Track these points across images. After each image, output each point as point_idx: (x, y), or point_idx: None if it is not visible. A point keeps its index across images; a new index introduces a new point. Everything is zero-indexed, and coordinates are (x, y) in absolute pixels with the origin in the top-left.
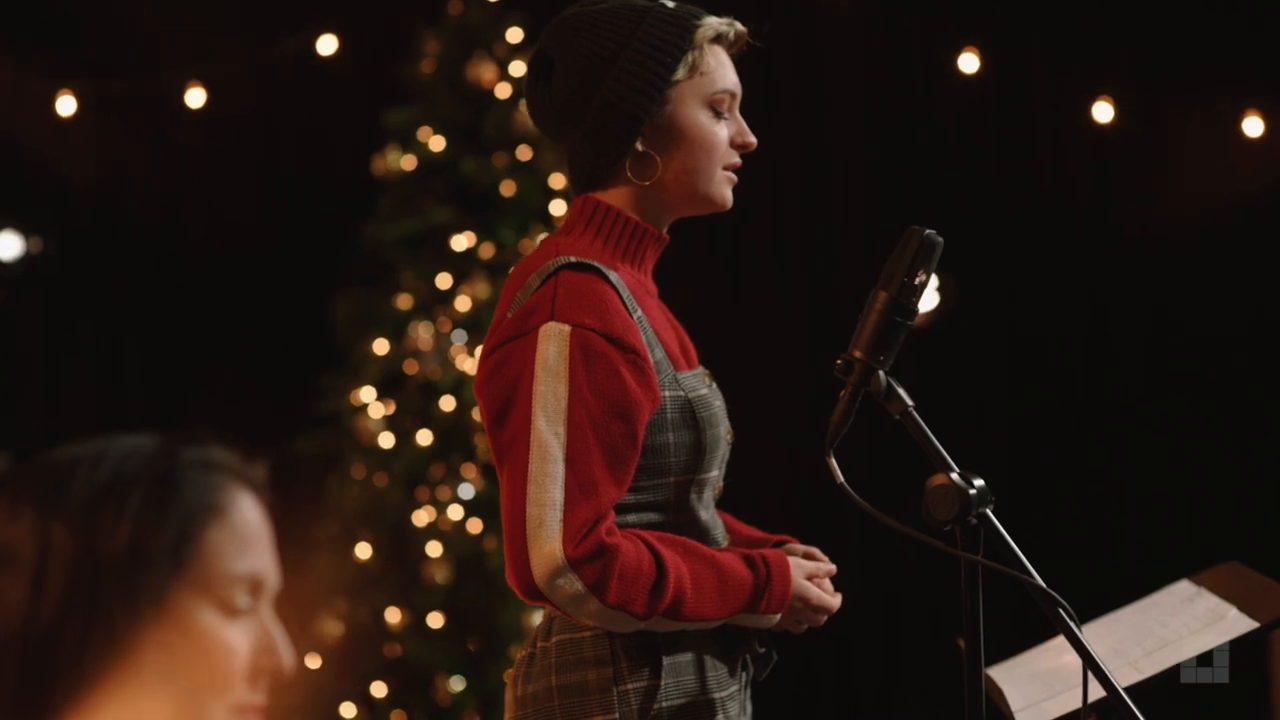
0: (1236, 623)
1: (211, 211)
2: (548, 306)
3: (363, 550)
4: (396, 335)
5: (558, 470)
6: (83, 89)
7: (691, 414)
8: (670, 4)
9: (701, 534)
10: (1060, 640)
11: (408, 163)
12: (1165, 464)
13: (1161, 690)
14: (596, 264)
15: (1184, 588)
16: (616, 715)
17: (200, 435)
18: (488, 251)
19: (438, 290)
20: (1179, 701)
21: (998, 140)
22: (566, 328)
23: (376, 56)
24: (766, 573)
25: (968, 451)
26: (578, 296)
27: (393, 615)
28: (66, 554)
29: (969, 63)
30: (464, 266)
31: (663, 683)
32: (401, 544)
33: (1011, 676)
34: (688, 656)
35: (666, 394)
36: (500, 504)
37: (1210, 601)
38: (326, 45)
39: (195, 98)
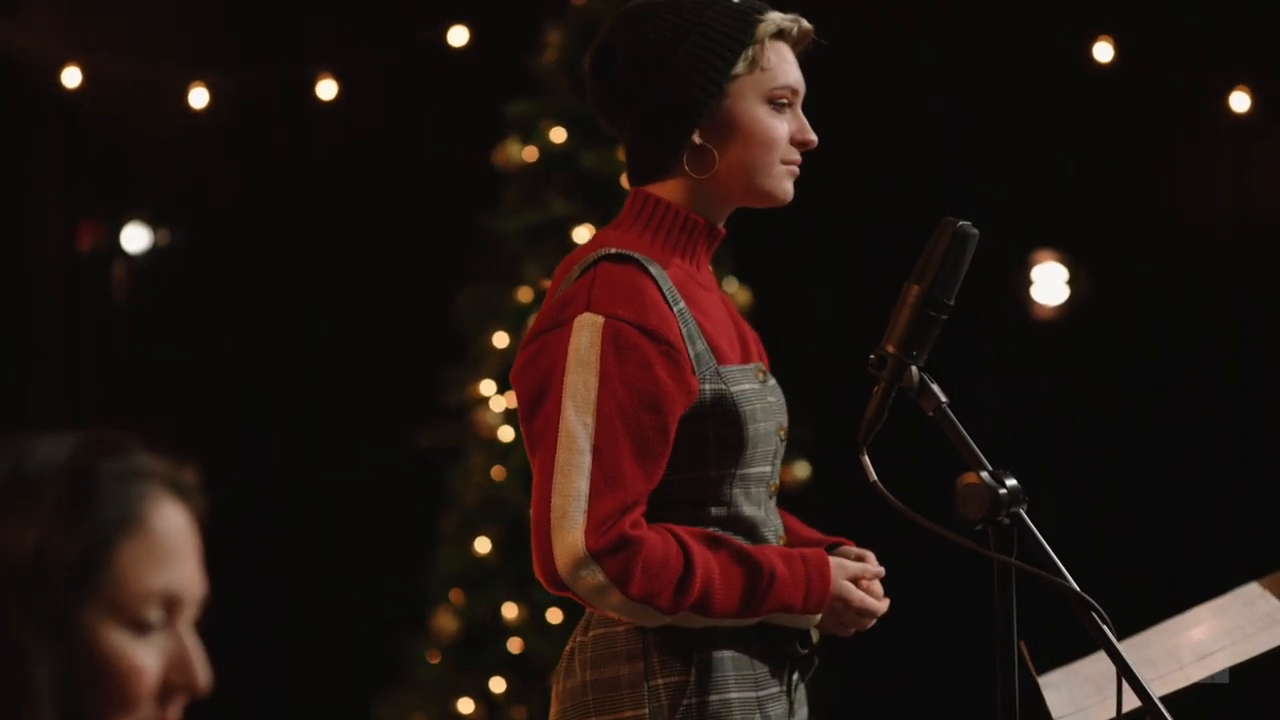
0: None
1: (339, 203)
2: (584, 297)
3: (482, 545)
4: (517, 328)
5: (584, 461)
6: (214, 81)
7: (733, 407)
8: None
9: (747, 530)
10: (1130, 641)
11: (529, 154)
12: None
13: (1216, 693)
14: (637, 255)
15: (1250, 590)
16: (646, 710)
17: (125, 438)
18: None
19: None
20: (1232, 704)
21: (1130, 132)
22: (600, 319)
23: (505, 48)
24: (805, 571)
25: (1087, 446)
26: (614, 288)
27: (510, 610)
28: None
29: (1103, 52)
30: None
31: (693, 679)
32: (520, 539)
33: (1068, 681)
34: (723, 654)
35: (706, 387)
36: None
37: (1270, 604)
38: (458, 37)
39: (327, 89)
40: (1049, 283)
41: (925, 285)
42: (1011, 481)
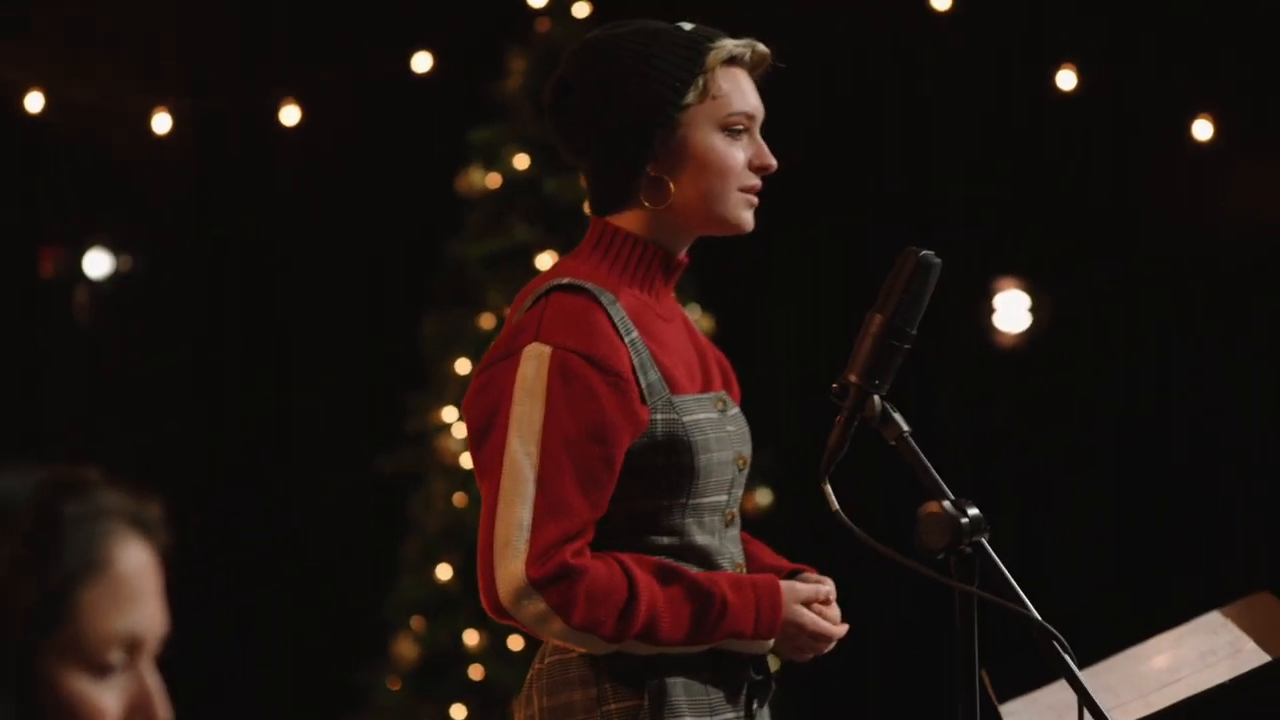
0: (1250, 656)
1: (301, 228)
2: (534, 327)
3: (443, 571)
4: (479, 354)
5: (528, 490)
6: (178, 106)
7: (685, 437)
8: (688, 27)
9: (700, 558)
10: (1093, 670)
11: (492, 181)
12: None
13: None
14: (589, 286)
15: (1212, 619)
16: None
17: (87, 473)
18: None
19: None
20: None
21: (1093, 159)
22: (547, 349)
23: (468, 74)
24: (754, 597)
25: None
26: (563, 318)
27: (471, 637)
28: None
29: (1066, 80)
30: None
31: (645, 705)
32: None
33: (1028, 710)
34: (676, 680)
35: (658, 417)
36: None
37: (1231, 634)
38: (421, 63)
39: (290, 115)
40: (1011, 310)
41: (888, 314)
42: (973, 510)
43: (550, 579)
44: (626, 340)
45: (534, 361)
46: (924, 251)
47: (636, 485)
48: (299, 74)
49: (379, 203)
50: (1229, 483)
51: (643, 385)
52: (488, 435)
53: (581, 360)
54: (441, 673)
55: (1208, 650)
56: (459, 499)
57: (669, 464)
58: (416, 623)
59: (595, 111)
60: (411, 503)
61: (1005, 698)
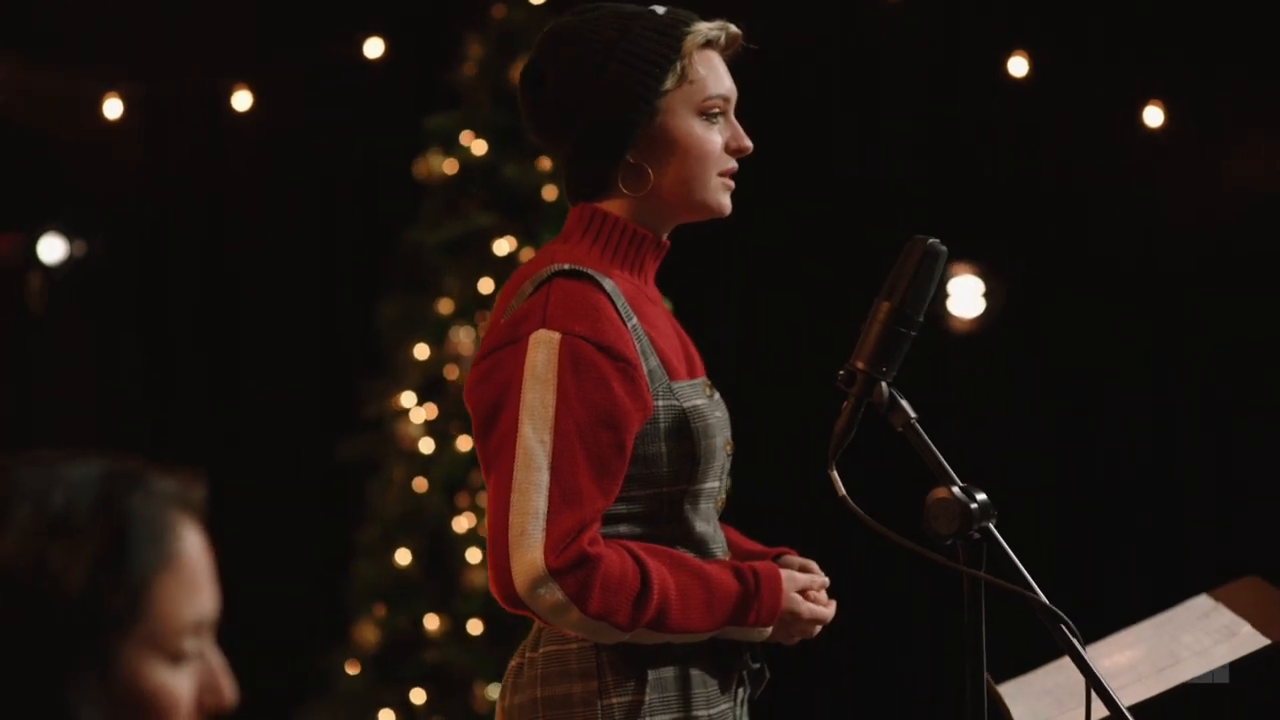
0: (1248, 639)
1: (256, 214)
2: (539, 314)
3: (402, 556)
4: (438, 340)
5: (542, 479)
6: (129, 91)
7: (685, 424)
8: (660, 9)
9: (698, 546)
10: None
11: (449, 167)
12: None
13: (1173, 707)
14: (591, 271)
15: (1202, 602)
16: None
17: (140, 464)
18: (529, 256)
19: (479, 295)
20: (1191, 718)
21: (1045, 146)
22: (556, 335)
23: (423, 60)
24: (756, 585)
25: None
26: (570, 304)
27: (432, 622)
28: (10, 582)
29: (1018, 67)
30: (505, 271)
31: (647, 697)
32: (441, 550)
33: (1022, 693)
34: (674, 671)
35: (660, 403)
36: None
37: (1225, 617)
38: (373, 49)
39: (242, 100)
40: (965, 296)
41: (895, 302)
42: (981, 496)
43: (568, 568)
44: (629, 325)
45: (543, 348)
46: (931, 239)
47: (640, 473)
48: (251, 59)
49: (334, 189)
50: (1189, 467)
51: (646, 371)
52: (495, 423)
53: (592, 347)
54: (401, 657)
55: (1202, 634)
56: (418, 484)
57: (671, 451)
58: (377, 608)
59: (572, 101)
60: (370, 488)
61: (996, 681)
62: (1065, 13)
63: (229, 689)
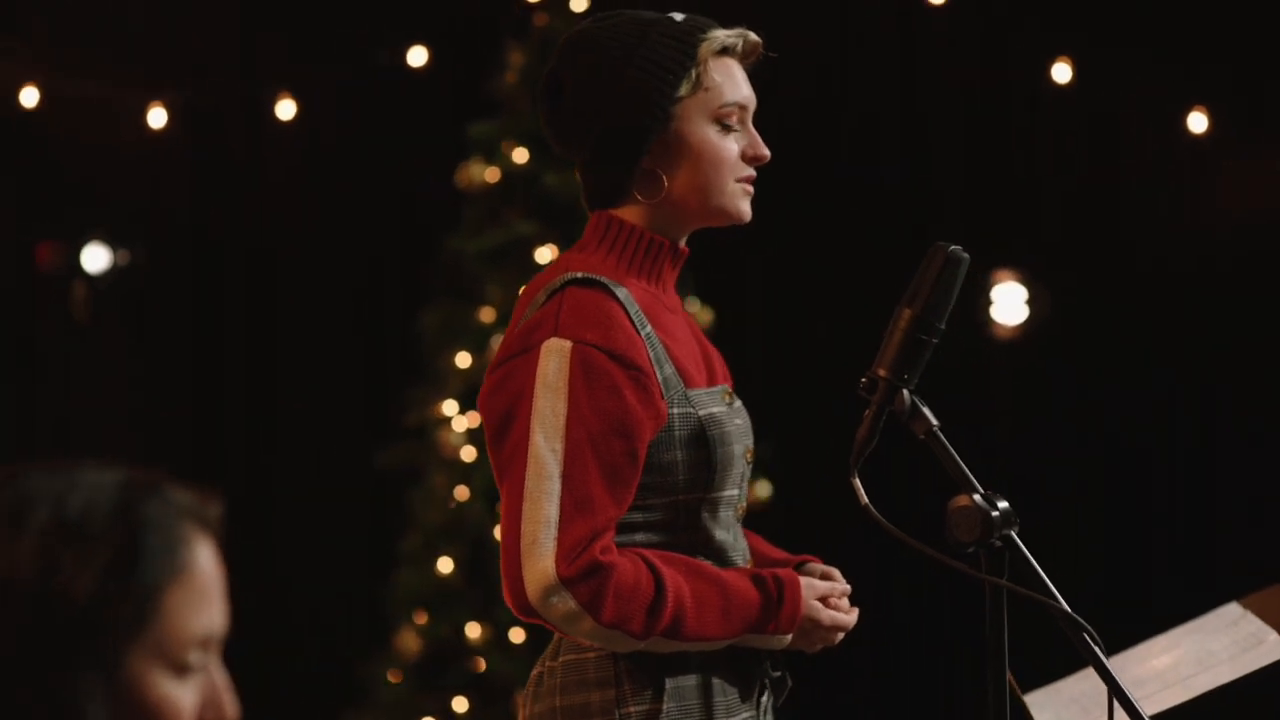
0: (1275, 648)
1: (298, 222)
2: (551, 322)
3: (444, 565)
4: (479, 348)
5: (554, 487)
6: (173, 101)
7: (701, 432)
8: (679, 17)
9: (716, 553)
10: (1114, 661)
11: (491, 175)
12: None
13: (1199, 715)
14: (604, 280)
15: (1231, 610)
16: None
17: (158, 474)
18: None
19: None
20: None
21: (1089, 152)
22: (568, 344)
23: (465, 69)
24: (777, 592)
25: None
26: (582, 312)
27: (473, 630)
28: (22, 586)
29: (1062, 73)
30: None
31: (665, 706)
32: (483, 559)
33: (1051, 700)
34: (693, 679)
35: (675, 411)
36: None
37: (1253, 625)
38: (417, 57)
39: (285, 109)
40: (1009, 302)
41: (918, 309)
42: (1003, 504)
43: (580, 577)
44: (643, 334)
45: (555, 357)
46: (953, 246)
47: (656, 481)
48: (295, 68)
49: (376, 197)
50: (1232, 475)
51: (660, 380)
52: (507, 431)
53: (604, 355)
54: (443, 666)
55: (1230, 641)
56: (460, 492)
57: (687, 459)
58: (419, 616)
59: (588, 107)
60: (412, 496)
61: (1025, 689)
62: (1109, 19)
63: (232, 706)
